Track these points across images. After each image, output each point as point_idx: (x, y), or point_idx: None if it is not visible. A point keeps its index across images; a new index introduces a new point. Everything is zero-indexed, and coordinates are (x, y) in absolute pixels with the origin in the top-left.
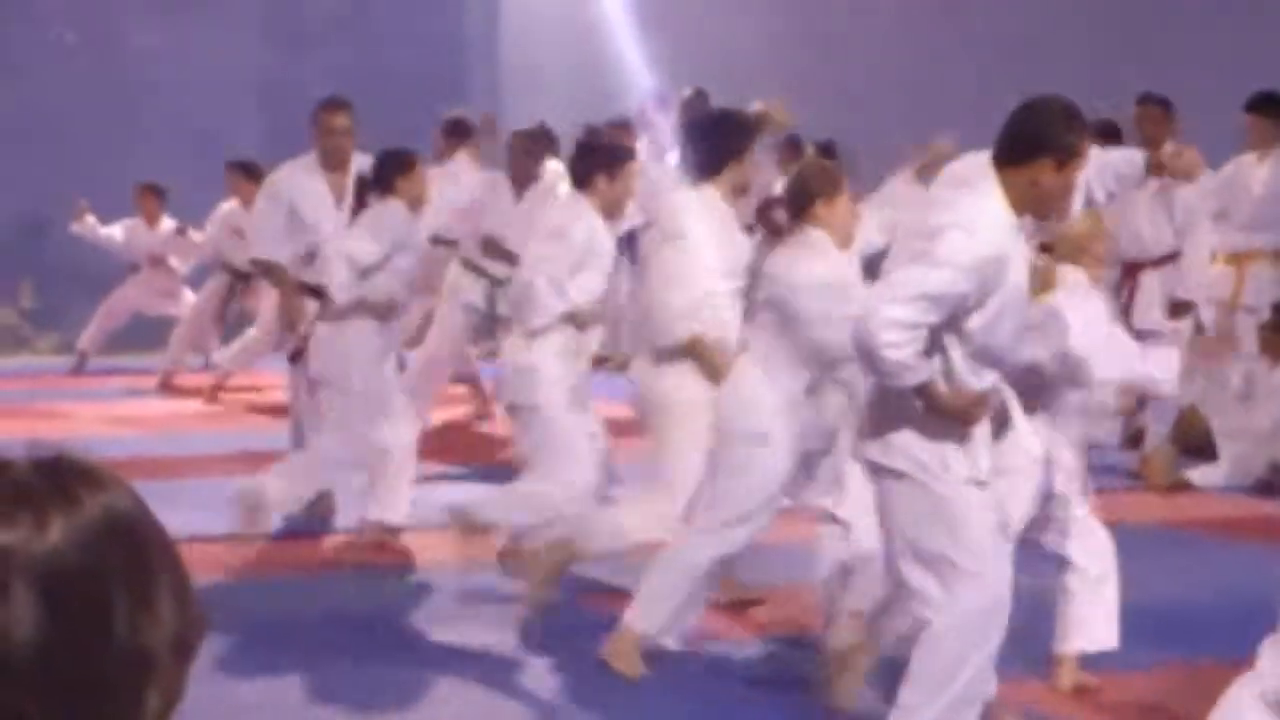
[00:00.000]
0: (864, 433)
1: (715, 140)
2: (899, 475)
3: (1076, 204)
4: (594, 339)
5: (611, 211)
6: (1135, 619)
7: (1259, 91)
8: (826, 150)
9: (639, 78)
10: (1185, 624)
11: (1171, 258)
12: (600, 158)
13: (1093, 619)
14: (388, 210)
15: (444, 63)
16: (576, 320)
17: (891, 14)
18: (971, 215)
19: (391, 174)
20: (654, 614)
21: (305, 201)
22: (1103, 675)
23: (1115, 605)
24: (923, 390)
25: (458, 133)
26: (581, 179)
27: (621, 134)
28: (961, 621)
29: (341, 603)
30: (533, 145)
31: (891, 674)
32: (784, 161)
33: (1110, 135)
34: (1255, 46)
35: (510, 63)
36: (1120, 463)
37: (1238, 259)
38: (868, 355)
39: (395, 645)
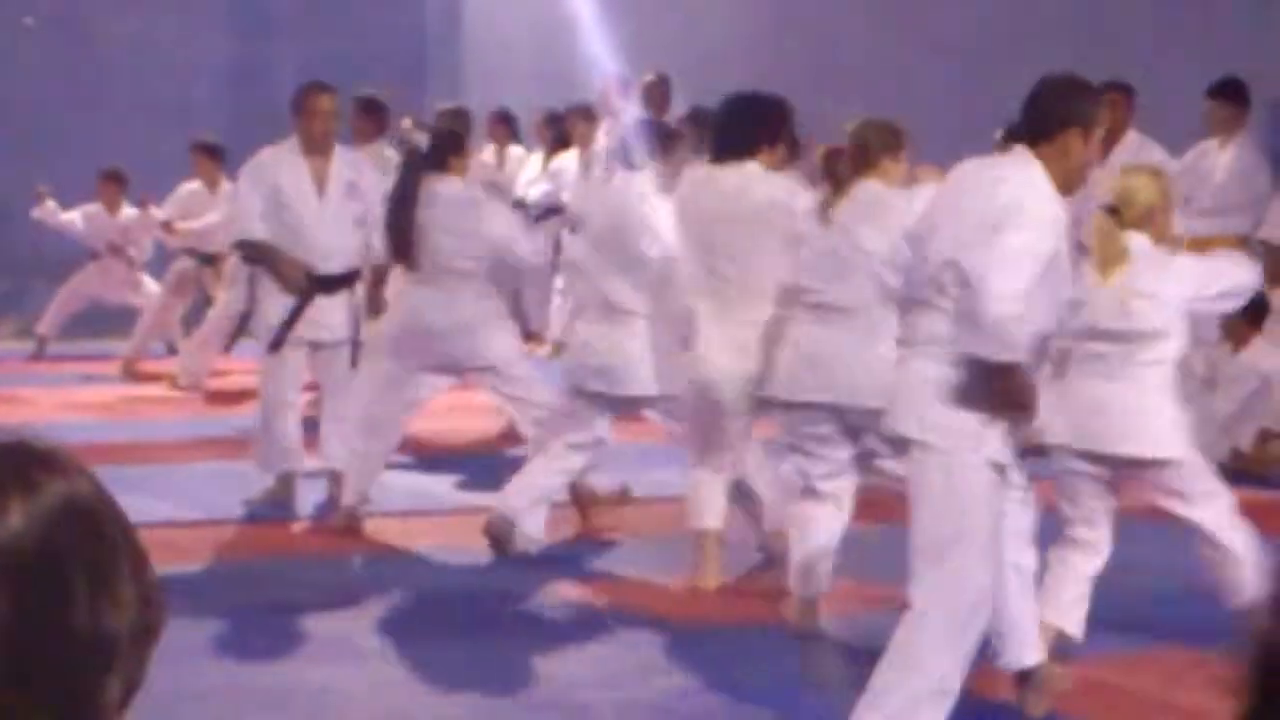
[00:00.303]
0: (899, 408)
1: (754, 122)
2: (928, 450)
3: None
4: None
5: (668, 190)
6: (1099, 605)
7: (1222, 77)
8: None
9: (601, 64)
10: (1151, 610)
11: None
12: (660, 139)
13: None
14: (460, 191)
15: (406, 49)
16: None
17: (859, 1)
18: (1032, 182)
19: (447, 153)
20: None
21: (287, 185)
22: (1065, 661)
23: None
24: (1010, 369)
25: (373, 112)
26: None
27: (583, 120)
28: (948, 609)
29: (306, 589)
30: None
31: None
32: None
33: None
34: (1218, 31)
35: (472, 49)
36: None
37: (1200, 245)
38: (996, 329)
39: (361, 632)
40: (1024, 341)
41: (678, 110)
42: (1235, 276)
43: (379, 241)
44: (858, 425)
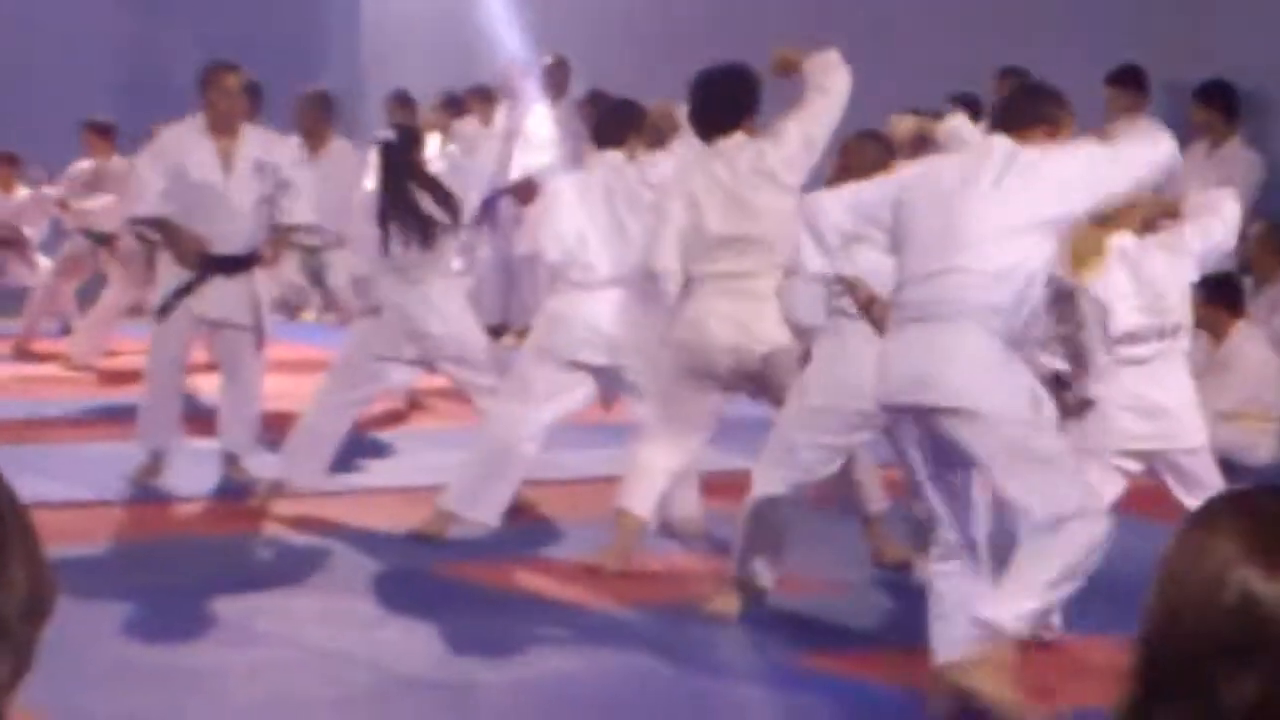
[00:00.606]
0: (949, 380)
1: (733, 96)
2: (1004, 420)
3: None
4: None
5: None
6: (1094, 590)
7: (1121, 64)
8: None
9: (500, 45)
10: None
11: None
12: (633, 118)
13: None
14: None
15: (304, 28)
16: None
17: None
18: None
19: (417, 149)
20: None
21: (192, 164)
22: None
23: None
24: None
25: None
26: (616, 140)
27: (481, 102)
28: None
29: (200, 571)
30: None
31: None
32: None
33: (970, 107)
34: (1114, 16)
35: (371, 29)
36: None
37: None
38: None
39: (255, 614)
40: None
41: (576, 92)
42: (1218, 223)
43: (292, 212)
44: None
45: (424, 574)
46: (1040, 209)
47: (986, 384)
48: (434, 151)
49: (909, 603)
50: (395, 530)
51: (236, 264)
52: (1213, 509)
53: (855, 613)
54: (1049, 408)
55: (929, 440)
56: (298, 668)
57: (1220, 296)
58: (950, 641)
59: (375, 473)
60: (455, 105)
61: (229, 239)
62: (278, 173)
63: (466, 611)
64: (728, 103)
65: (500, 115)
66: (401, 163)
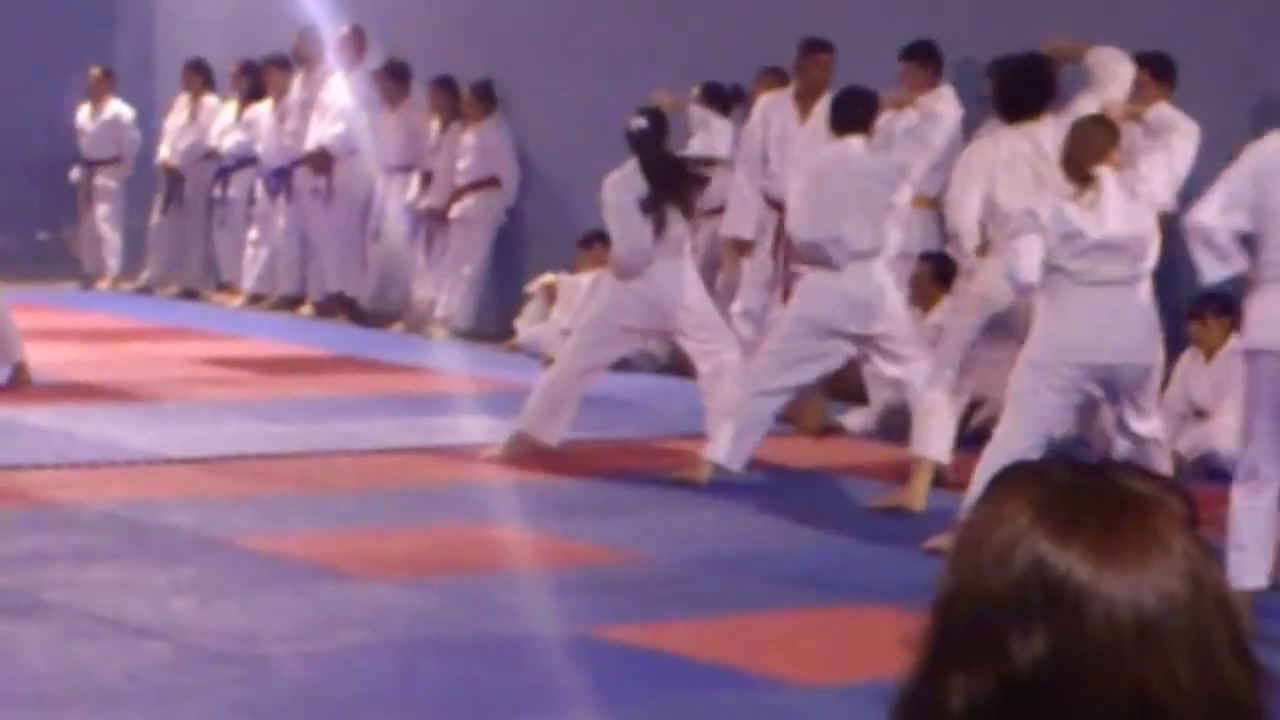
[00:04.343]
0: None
1: (1034, 84)
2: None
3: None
4: None
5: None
6: (781, 561)
7: (916, 39)
8: (484, 90)
9: (297, 14)
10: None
11: None
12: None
13: None
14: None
15: None
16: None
17: None
18: None
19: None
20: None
21: None
22: (743, 617)
23: None
24: None
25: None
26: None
27: (278, 71)
28: None
29: None
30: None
31: None
32: (436, 103)
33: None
34: None
35: None
36: None
37: None
38: None
39: (50, 586)
40: None
41: (372, 62)
42: None
43: None
44: None
45: (220, 544)
46: None
47: None
48: (229, 120)
49: (702, 572)
50: (189, 500)
51: None
52: (1007, 478)
53: (649, 583)
54: None
55: None
56: (91, 639)
57: (931, 271)
58: (1240, 568)
59: (169, 443)
60: (252, 73)
61: None
62: None
63: (261, 583)
64: (1021, 93)
65: (296, 84)
66: (659, 148)
